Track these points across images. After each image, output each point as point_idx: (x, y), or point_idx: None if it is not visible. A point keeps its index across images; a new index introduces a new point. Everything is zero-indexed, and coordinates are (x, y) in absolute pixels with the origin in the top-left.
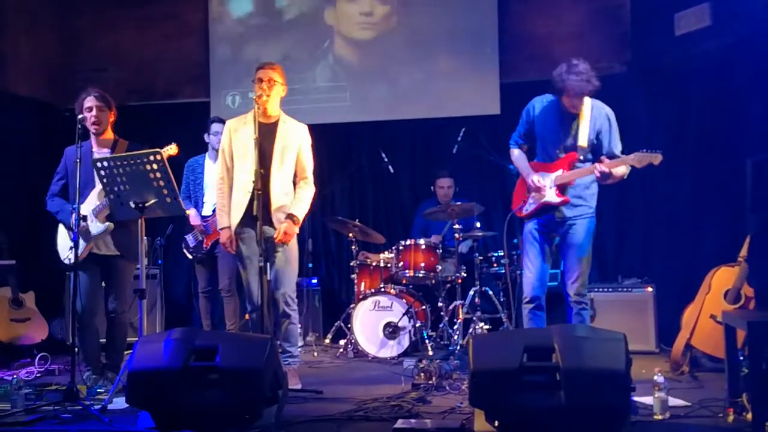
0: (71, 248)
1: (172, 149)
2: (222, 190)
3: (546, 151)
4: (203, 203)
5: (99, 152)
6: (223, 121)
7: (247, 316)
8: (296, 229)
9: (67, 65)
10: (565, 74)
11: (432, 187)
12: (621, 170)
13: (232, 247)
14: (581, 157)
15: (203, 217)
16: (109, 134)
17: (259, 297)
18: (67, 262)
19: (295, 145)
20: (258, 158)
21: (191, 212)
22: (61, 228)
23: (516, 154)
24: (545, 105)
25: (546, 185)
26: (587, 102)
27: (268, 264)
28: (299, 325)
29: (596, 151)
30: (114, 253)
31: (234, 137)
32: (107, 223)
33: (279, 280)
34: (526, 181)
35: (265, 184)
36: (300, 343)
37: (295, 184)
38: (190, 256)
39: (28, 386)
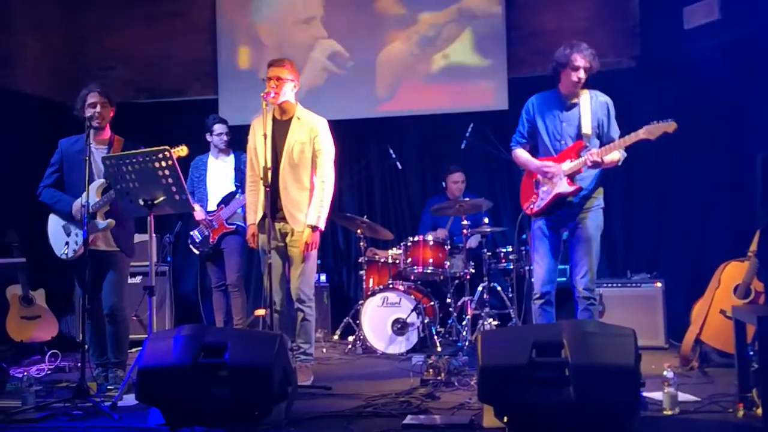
0: (66, 243)
1: (182, 150)
2: (251, 187)
3: (549, 143)
4: (207, 200)
5: (97, 148)
6: (225, 122)
7: (256, 313)
8: (316, 236)
9: (74, 64)
10: (569, 50)
11: (443, 183)
12: (615, 156)
13: (254, 243)
14: (587, 144)
15: (208, 213)
16: (107, 131)
17: (269, 290)
18: (63, 257)
19: (308, 140)
20: (268, 155)
21: (196, 208)
22: (52, 223)
23: (518, 152)
24: (544, 99)
25: (556, 174)
26: (585, 92)
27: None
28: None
29: (599, 138)
30: (113, 249)
31: (256, 135)
32: (109, 220)
33: (292, 276)
34: (535, 169)
35: (274, 180)
36: None
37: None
38: (197, 252)
39: (38, 383)
